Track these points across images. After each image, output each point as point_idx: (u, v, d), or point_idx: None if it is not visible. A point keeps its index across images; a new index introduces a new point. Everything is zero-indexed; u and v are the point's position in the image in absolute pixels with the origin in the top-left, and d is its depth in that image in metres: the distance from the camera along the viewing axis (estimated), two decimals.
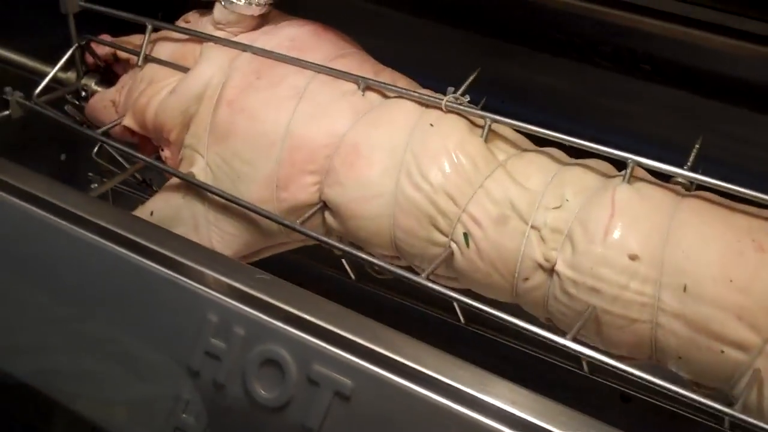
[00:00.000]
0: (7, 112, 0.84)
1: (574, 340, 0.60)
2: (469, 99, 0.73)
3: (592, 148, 0.66)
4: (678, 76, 0.87)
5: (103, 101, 0.86)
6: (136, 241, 0.63)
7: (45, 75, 0.89)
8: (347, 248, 0.69)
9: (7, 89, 0.84)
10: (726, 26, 0.77)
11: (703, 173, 0.64)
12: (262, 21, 0.81)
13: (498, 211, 0.66)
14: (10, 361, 0.71)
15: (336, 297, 0.71)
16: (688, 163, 0.65)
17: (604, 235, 0.62)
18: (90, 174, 1.00)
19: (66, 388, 0.68)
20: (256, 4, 0.79)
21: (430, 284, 0.65)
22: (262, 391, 0.58)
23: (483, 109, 0.72)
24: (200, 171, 0.75)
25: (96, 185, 0.95)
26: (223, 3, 0.79)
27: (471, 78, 0.74)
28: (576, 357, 0.62)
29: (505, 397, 0.54)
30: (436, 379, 0.55)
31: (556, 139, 0.68)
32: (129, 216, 0.66)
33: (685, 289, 0.59)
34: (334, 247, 0.69)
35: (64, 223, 0.65)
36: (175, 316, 0.61)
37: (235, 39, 0.80)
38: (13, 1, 0.93)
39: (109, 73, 0.92)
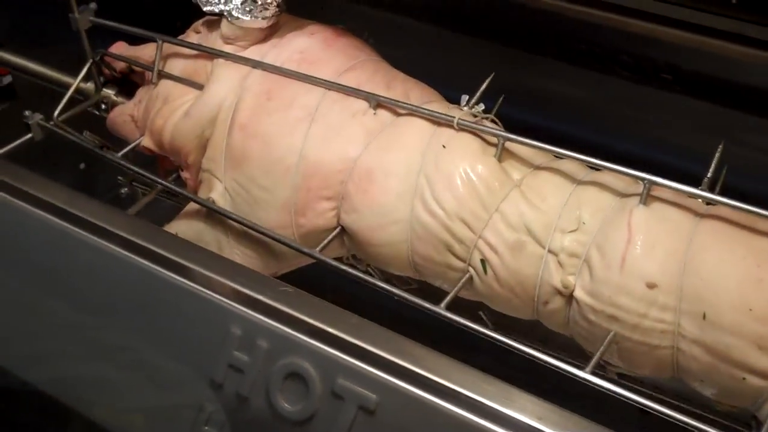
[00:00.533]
0: (29, 136, 0.84)
1: (593, 372, 0.60)
2: (483, 108, 0.72)
3: (608, 167, 0.65)
4: (699, 86, 0.86)
5: (123, 115, 0.86)
6: (160, 253, 0.63)
7: (69, 86, 0.90)
8: (367, 278, 0.69)
9: (27, 113, 0.84)
10: (748, 36, 0.77)
11: (724, 184, 0.64)
12: (272, 30, 0.80)
13: (514, 236, 0.65)
14: (32, 370, 0.71)
15: (356, 306, 0.71)
16: (709, 174, 0.64)
17: (621, 263, 0.61)
18: (119, 178, 1.01)
19: (89, 398, 0.69)
20: (262, 18, 0.78)
21: (448, 314, 0.64)
22: (286, 405, 0.58)
23: (497, 116, 0.72)
24: (219, 196, 0.75)
25: (126, 189, 0.94)
26: (228, 18, 0.78)
27: (484, 86, 0.73)
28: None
29: (530, 411, 0.54)
30: (461, 393, 0.55)
31: (572, 158, 0.67)
32: (153, 228, 0.66)
33: (704, 316, 0.59)
34: (353, 276, 0.69)
35: (87, 234, 0.65)
36: (198, 328, 0.61)
37: (245, 53, 0.79)
38: (37, 13, 0.94)
39: (127, 82, 0.92)
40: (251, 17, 0.77)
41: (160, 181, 0.79)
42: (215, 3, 0.78)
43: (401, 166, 0.69)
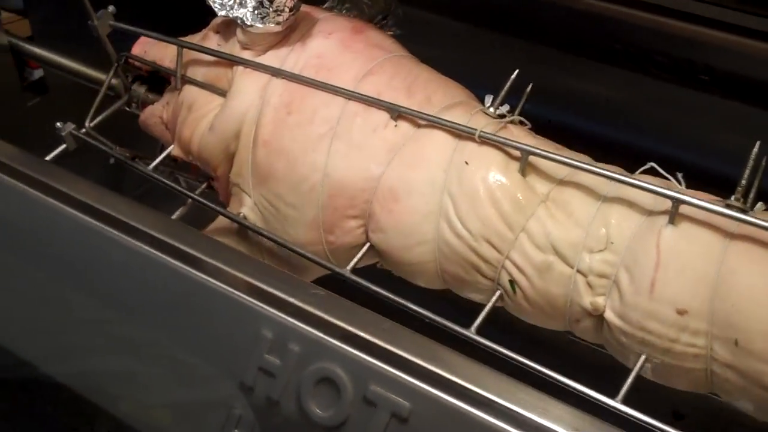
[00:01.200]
0: (63, 146, 0.84)
1: (624, 400, 0.59)
2: (508, 108, 0.71)
3: (635, 185, 0.62)
4: (737, 87, 0.85)
5: (153, 117, 0.85)
6: (191, 253, 0.62)
7: (98, 81, 0.90)
8: (399, 300, 0.68)
9: (58, 125, 0.84)
10: None
11: (761, 187, 0.62)
12: (290, 30, 0.78)
13: (541, 257, 0.64)
14: (61, 366, 0.71)
15: (386, 309, 0.70)
16: (743, 179, 0.61)
17: (650, 288, 0.60)
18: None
19: (117, 396, 0.68)
20: (276, 23, 0.75)
21: (478, 338, 0.63)
22: (317, 410, 0.57)
23: (528, 114, 0.70)
24: (249, 211, 0.74)
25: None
26: (243, 25, 0.76)
27: (507, 85, 0.71)
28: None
29: (566, 422, 0.53)
30: (496, 402, 0.54)
31: (597, 174, 0.64)
32: (184, 227, 0.66)
33: (736, 343, 0.57)
34: (384, 297, 0.68)
35: (119, 233, 0.64)
36: (229, 330, 0.61)
37: (263, 58, 0.77)
38: (68, 6, 0.93)
39: (156, 78, 0.91)
40: (265, 23, 0.75)
41: (191, 195, 0.78)
42: (229, 8, 0.77)
43: (425, 184, 0.68)
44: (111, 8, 0.85)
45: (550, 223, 0.64)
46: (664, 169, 0.66)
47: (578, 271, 0.63)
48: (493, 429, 0.53)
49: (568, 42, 0.91)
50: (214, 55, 0.79)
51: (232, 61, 0.78)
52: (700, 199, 0.59)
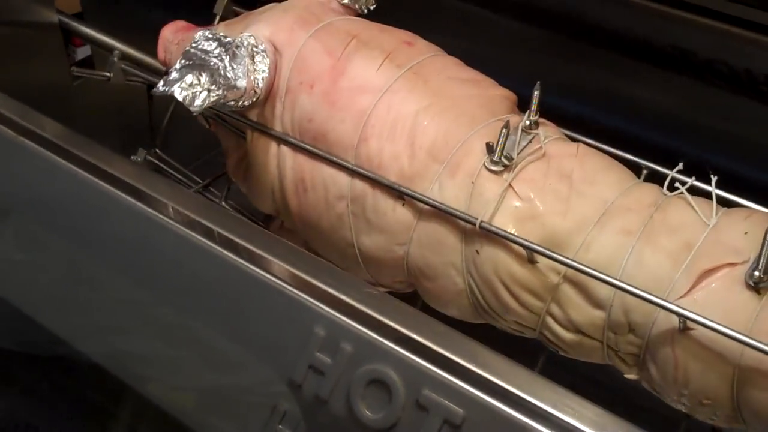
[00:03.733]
0: (136, 158, 0.88)
1: None
2: (536, 119, 0.68)
3: (638, 295, 0.59)
4: None
5: None
6: (246, 246, 0.62)
7: (145, 64, 0.89)
8: None
9: (134, 157, 0.87)
10: None
11: None
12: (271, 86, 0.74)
13: (570, 336, 0.66)
14: (97, 347, 0.70)
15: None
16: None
17: (674, 380, 0.61)
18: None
19: (166, 386, 0.68)
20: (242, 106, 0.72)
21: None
22: (367, 412, 0.56)
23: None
24: None
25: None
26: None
27: (535, 100, 0.68)
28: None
29: None
30: (552, 414, 0.53)
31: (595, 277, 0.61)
32: (240, 221, 0.65)
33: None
34: None
35: (173, 223, 0.64)
36: (281, 326, 0.60)
37: (263, 112, 0.74)
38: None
39: None
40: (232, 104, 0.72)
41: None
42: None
43: (447, 267, 0.68)
44: None
45: (570, 308, 0.64)
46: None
47: (608, 346, 0.65)
48: None
49: (624, 46, 0.89)
50: (225, 126, 0.79)
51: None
52: (704, 318, 0.57)
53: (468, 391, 0.54)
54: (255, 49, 0.72)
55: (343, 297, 0.58)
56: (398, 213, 0.69)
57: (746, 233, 0.60)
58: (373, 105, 0.69)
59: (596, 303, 0.63)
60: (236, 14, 0.88)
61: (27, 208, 0.76)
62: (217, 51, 0.70)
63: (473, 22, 0.88)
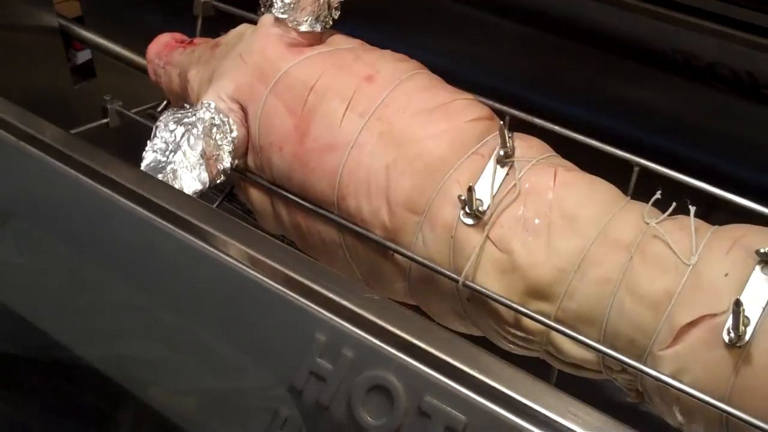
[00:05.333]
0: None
1: None
2: (510, 147, 0.67)
3: (613, 356, 0.62)
4: None
5: None
6: (247, 251, 0.61)
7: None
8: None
9: None
10: None
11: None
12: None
13: (569, 369, 0.68)
14: (96, 351, 0.70)
15: None
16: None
17: (672, 416, 0.62)
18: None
19: (156, 387, 0.68)
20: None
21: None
22: (368, 418, 0.56)
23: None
24: None
25: None
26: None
27: (507, 135, 0.66)
28: None
29: None
30: (555, 421, 0.52)
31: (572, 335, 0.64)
32: (240, 224, 0.65)
33: None
34: None
35: (174, 228, 0.63)
36: (281, 331, 0.60)
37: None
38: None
39: None
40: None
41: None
42: None
43: (448, 312, 0.71)
44: None
45: (563, 349, 0.65)
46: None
47: (607, 376, 0.66)
48: None
49: (626, 49, 0.89)
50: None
51: None
52: (683, 385, 0.58)
53: (470, 397, 0.53)
54: (213, 121, 0.73)
55: (345, 302, 0.58)
56: (392, 260, 0.70)
57: (726, 275, 0.58)
58: (342, 164, 0.70)
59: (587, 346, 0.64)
60: (216, 10, 0.88)
61: (27, 213, 0.75)
62: (172, 145, 0.73)
63: (471, 23, 0.87)
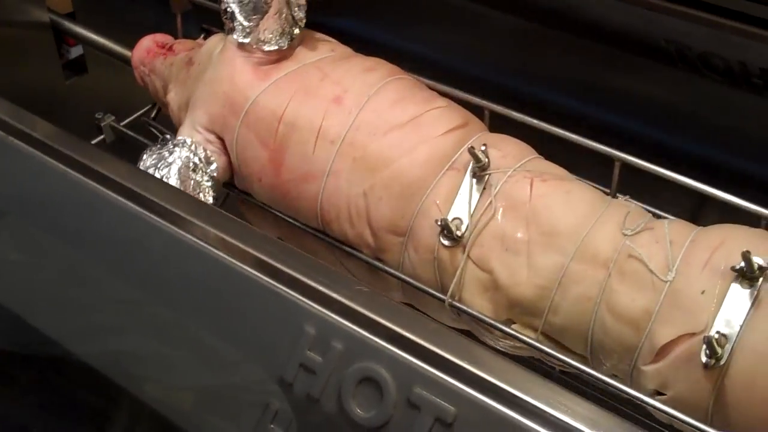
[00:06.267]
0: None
1: None
2: (484, 163, 0.67)
3: (596, 376, 0.63)
4: None
5: None
6: (236, 245, 0.61)
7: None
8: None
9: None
10: None
11: None
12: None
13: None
14: (88, 347, 0.70)
15: None
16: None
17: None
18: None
19: (147, 382, 0.68)
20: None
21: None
22: (358, 410, 0.56)
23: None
24: None
25: None
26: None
27: (481, 155, 0.67)
28: None
29: None
30: (545, 411, 0.52)
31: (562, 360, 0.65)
32: (228, 217, 0.65)
33: None
34: None
35: (165, 223, 0.63)
36: (271, 324, 0.60)
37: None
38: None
39: None
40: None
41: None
42: None
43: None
44: None
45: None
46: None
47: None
48: None
49: (619, 41, 0.88)
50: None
51: None
52: (665, 406, 0.59)
53: (460, 388, 0.53)
54: (191, 160, 0.74)
55: (334, 295, 0.58)
56: (384, 276, 0.71)
57: (703, 292, 0.58)
58: (320, 192, 0.70)
59: (577, 353, 0.65)
60: (194, 5, 0.88)
61: (18, 209, 0.75)
62: None
63: (461, 15, 0.87)
